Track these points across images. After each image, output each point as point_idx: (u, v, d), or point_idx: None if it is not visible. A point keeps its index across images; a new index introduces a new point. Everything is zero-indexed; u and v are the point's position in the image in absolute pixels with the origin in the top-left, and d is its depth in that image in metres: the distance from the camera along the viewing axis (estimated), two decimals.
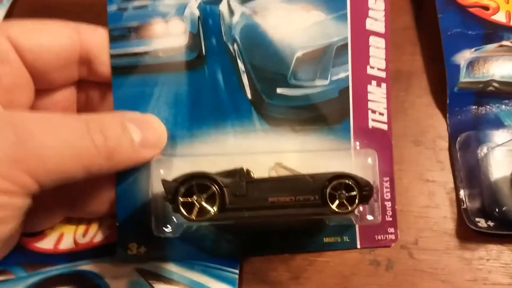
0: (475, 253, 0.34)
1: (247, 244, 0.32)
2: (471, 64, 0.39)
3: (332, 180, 0.28)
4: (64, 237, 0.33)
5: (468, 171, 0.36)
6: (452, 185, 0.36)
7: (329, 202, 0.28)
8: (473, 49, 0.39)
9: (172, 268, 0.32)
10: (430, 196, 0.35)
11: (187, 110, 0.32)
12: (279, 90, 0.32)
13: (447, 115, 0.38)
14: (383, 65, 0.33)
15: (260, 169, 0.30)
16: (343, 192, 0.28)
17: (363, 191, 0.28)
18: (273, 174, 0.31)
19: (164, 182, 0.27)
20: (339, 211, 0.28)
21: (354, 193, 0.28)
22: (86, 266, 0.32)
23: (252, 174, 0.30)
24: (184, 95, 0.32)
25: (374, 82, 0.33)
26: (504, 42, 0.39)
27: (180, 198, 0.27)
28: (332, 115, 0.32)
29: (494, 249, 0.34)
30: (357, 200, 0.28)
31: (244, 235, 0.32)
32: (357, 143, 0.33)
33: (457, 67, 0.39)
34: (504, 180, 0.34)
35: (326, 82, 0.32)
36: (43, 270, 0.31)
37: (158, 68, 0.32)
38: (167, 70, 0.32)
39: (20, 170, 0.24)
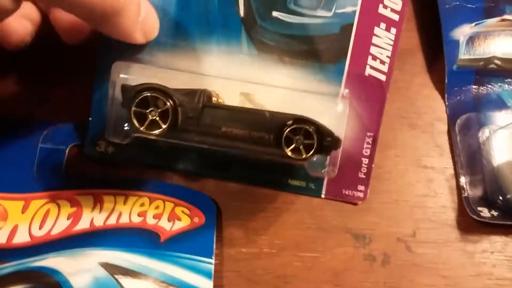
0: (477, 245, 0.32)
1: (208, 165, 0.32)
2: (471, 40, 0.37)
3: (293, 123, 0.26)
4: (18, 230, 0.30)
5: (469, 156, 0.34)
6: (451, 171, 0.34)
7: (284, 144, 0.26)
8: (473, 24, 0.37)
9: (140, 261, 0.29)
10: (428, 184, 0.33)
11: (174, 17, 0.30)
12: (275, 13, 0.30)
13: (446, 95, 0.36)
14: (399, 6, 0.30)
15: (231, 97, 0.29)
16: (301, 137, 0.26)
17: (324, 141, 0.26)
18: (239, 104, 0.30)
19: (123, 87, 0.27)
20: (292, 156, 0.27)
21: (312, 141, 0.26)
22: (43, 262, 0.29)
23: (215, 99, 0.29)
24: (172, 0, 0.30)
25: (383, 25, 0.30)
26: (506, 16, 0.37)
27: (133, 107, 0.27)
28: (327, 52, 0.30)
29: (498, 241, 0.32)
30: (313, 149, 0.26)
31: (206, 155, 0.31)
32: (347, 90, 0.31)
33: (456, 43, 0.37)
34: (508, 165, 0.32)
35: (329, 14, 0.30)
36: None
37: None
38: None
39: None
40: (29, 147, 0.33)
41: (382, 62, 0.30)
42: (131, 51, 0.31)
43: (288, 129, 0.26)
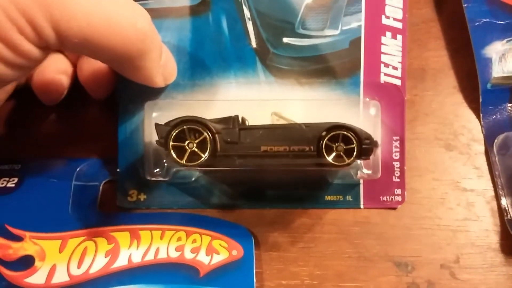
0: None
1: (242, 195, 0.33)
2: (503, 57, 0.37)
3: (330, 131, 0.28)
4: (57, 270, 0.31)
5: (509, 176, 0.34)
6: (492, 193, 0.34)
7: (325, 153, 0.28)
8: (504, 40, 0.37)
9: None
10: (468, 207, 0.34)
11: (190, 58, 0.32)
12: (285, 40, 0.32)
13: (481, 115, 0.37)
14: (399, 15, 0.33)
15: (260, 121, 0.30)
16: (341, 144, 0.28)
17: (363, 144, 0.28)
18: (273, 119, 0.31)
19: (157, 125, 0.29)
20: (335, 163, 0.28)
21: (352, 145, 0.28)
22: None
23: (247, 122, 0.30)
24: (187, 42, 0.32)
25: (389, 34, 0.33)
26: None
27: (171, 141, 0.28)
28: (341, 67, 0.32)
29: None
30: (355, 153, 0.28)
31: (239, 185, 0.33)
32: (367, 99, 0.32)
33: (489, 61, 0.37)
34: None
35: (337, 32, 0.32)
36: None
37: (162, 12, 0.32)
38: (171, 16, 0.32)
39: (42, 15, 0.23)
40: (62, 185, 0.34)
41: (395, 68, 0.32)
42: (151, 95, 0.32)
43: (326, 138, 0.28)
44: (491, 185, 0.34)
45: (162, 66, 0.30)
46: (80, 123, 0.35)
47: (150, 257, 0.32)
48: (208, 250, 0.32)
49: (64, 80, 0.32)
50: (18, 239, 0.32)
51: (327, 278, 0.32)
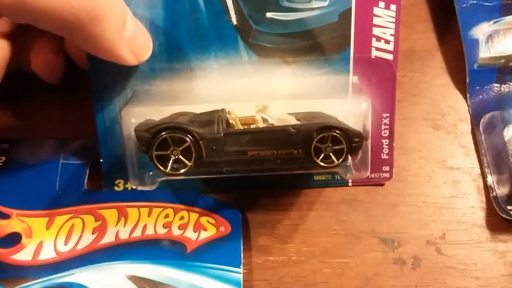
0: (509, 244, 0.33)
1: (233, 180, 0.32)
2: (490, 38, 0.38)
3: (319, 133, 0.27)
4: (44, 246, 0.32)
5: (495, 155, 0.35)
6: (478, 171, 0.35)
7: (313, 155, 0.27)
8: (491, 22, 0.38)
9: (168, 272, 0.31)
10: (455, 185, 0.34)
11: (164, 39, 0.30)
12: (269, 14, 0.30)
13: (468, 95, 0.38)
14: None
15: (246, 108, 0.29)
16: (330, 144, 0.27)
17: (352, 143, 0.28)
18: (259, 117, 0.30)
19: (137, 133, 0.27)
20: (325, 165, 0.28)
21: (342, 146, 0.27)
22: (70, 278, 0.30)
23: (234, 116, 0.29)
24: (159, 21, 0.30)
25: (382, 4, 0.30)
26: None
27: (154, 151, 0.27)
28: (329, 43, 0.30)
29: None
30: (344, 154, 0.28)
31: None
32: (356, 77, 0.31)
33: (476, 42, 0.38)
34: None
35: (325, 3, 0.30)
36: (23, 285, 0.30)
37: None
38: None
39: None
40: (50, 164, 0.35)
41: (387, 42, 0.31)
42: (125, 80, 0.31)
43: (315, 140, 0.27)
44: (477, 163, 0.35)
45: (130, 39, 0.27)
46: (68, 103, 0.36)
47: (137, 234, 0.32)
48: (196, 227, 0.33)
49: (61, 58, 0.32)
50: (5, 216, 0.32)
51: (314, 254, 0.32)
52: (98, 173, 0.33)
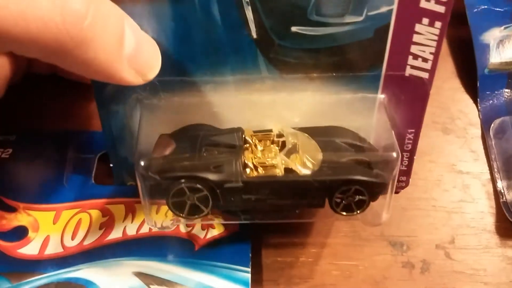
0: None
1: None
2: (501, 43, 0.38)
3: (342, 186, 0.26)
4: (51, 241, 0.31)
5: (505, 160, 0.35)
6: (488, 176, 0.35)
7: (334, 207, 0.27)
8: (502, 27, 0.39)
9: (175, 270, 0.30)
10: (464, 189, 0.35)
11: (174, 51, 0.27)
12: (294, 29, 0.26)
13: (478, 100, 0.38)
14: None
15: (265, 123, 0.29)
16: (351, 196, 0.27)
17: (375, 193, 0.27)
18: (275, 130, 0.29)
19: (151, 182, 0.26)
20: (345, 214, 0.27)
21: (364, 197, 0.27)
22: (77, 273, 0.30)
23: (252, 136, 0.28)
24: (169, 32, 0.26)
25: (426, 20, 0.26)
26: None
27: (170, 199, 0.26)
28: (360, 59, 0.28)
29: None
30: (365, 205, 0.27)
31: None
32: (383, 96, 0.29)
33: (486, 47, 0.38)
34: None
35: (360, 18, 0.26)
36: (29, 280, 0.30)
37: None
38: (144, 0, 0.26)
39: None
40: (57, 157, 0.35)
41: (425, 60, 0.27)
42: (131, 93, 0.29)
43: (337, 192, 0.27)
44: (487, 168, 0.35)
45: (131, 57, 0.24)
46: (76, 97, 0.36)
47: (145, 230, 0.32)
48: (204, 225, 0.32)
49: None
50: (12, 210, 0.32)
51: (323, 256, 0.32)
52: (106, 167, 0.33)
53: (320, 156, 0.27)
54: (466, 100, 0.38)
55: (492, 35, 0.39)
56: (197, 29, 0.26)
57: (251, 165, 0.27)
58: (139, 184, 0.27)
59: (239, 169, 0.26)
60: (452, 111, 0.37)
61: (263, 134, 0.29)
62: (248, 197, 0.27)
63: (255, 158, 0.27)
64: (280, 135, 0.29)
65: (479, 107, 0.38)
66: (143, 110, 0.29)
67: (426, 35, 0.26)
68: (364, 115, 0.30)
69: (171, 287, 0.30)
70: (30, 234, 0.32)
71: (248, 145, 0.28)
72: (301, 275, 0.32)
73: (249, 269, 0.31)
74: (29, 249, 0.31)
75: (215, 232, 0.32)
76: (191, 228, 0.33)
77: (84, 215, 0.33)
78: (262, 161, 0.27)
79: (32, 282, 0.30)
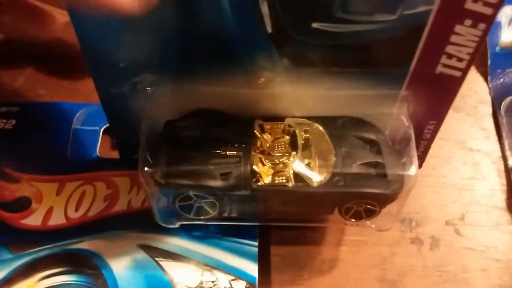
0: None
1: None
2: None
3: (353, 199, 0.26)
4: (54, 212, 0.31)
5: None
6: (499, 154, 0.35)
7: (343, 214, 0.27)
8: None
9: (182, 243, 0.30)
10: (475, 167, 0.34)
11: (178, 43, 0.25)
12: (315, 25, 0.24)
13: (489, 77, 0.37)
14: None
15: (277, 114, 0.28)
16: (362, 206, 0.26)
17: (386, 203, 0.26)
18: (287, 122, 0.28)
19: (158, 188, 0.26)
20: (354, 221, 0.27)
21: (374, 208, 0.26)
22: (80, 244, 0.30)
23: (260, 122, 0.27)
24: (171, 22, 0.24)
25: (468, 22, 0.23)
26: None
27: (177, 203, 0.26)
28: (387, 57, 0.25)
29: None
30: (376, 214, 0.27)
31: None
32: (406, 93, 0.27)
33: (498, 24, 0.38)
34: None
35: (393, 17, 0.23)
36: (31, 251, 0.30)
37: None
38: None
39: None
40: (61, 128, 0.34)
41: (460, 60, 0.25)
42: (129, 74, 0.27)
43: (347, 203, 0.27)
44: (498, 146, 0.35)
45: None
46: (79, 71, 0.36)
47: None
48: None
49: None
50: (15, 180, 0.32)
51: (331, 231, 0.32)
52: (111, 139, 0.33)
53: (332, 158, 0.26)
54: (476, 78, 0.37)
55: (503, 13, 0.38)
56: (203, 20, 0.25)
57: (260, 166, 0.26)
58: (144, 187, 0.27)
59: (247, 176, 0.25)
60: (463, 89, 0.36)
61: (274, 124, 0.28)
62: (257, 205, 0.27)
63: (265, 156, 0.27)
64: (291, 126, 0.28)
65: (490, 85, 0.37)
66: (146, 97, 0.28)
67: (466, 36, 0.24)
68: (384, 110, 0.28)
69: (177, 260, 0.30)
70: (33, 205, 0.32)
71: (258, 137, 0.27)
72: (309, 251, 0.32)
73: (257, 243, 0.30)
74: (32, 220, 0.31)
75: None
76: None
77: (88, 187, 0.33)
78: (272, 159, 0.27)
79: (34, 253, 0.30)
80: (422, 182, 0.34)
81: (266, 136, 0.28)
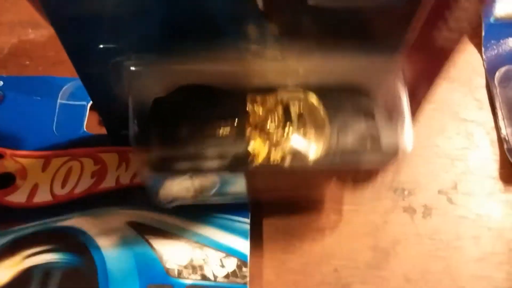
0: None
1: None
2: None
3: (348, 171, 0.27)
4: (39, 189, 0.31)
5: (510, 108, 0.35)
6: (492, 124, 0.35)
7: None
8: None
9: (170, 220, 0.30)
10: (468, 137, 0.34)
11: (160, 19, 0.24)
12: (312, 1, 0.24)
13: (483, 49, 0.37)
14: None
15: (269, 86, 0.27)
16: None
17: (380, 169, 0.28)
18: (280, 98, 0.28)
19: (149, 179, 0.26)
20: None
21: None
22: (67, 222, 0.30)
23: (256, 99, 0.27)
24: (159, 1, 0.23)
25: None
26: None
27: (175, 186, 0.27)
28: (382, 29, 0.25)
29: None
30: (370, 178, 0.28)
31: None
32: (400, 61, 0.27)
33: None
34: None
35: None
36: (16, 228, 0.29)
37: None
38: None
39: None
40: (47, 103, 0.34)
41: (454, 28, 0.25)
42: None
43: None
44: (491, 116, 0.35)
45: None
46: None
47: (139, 179, 0.32)
48: None
49: None
50: None
51: (322, 200, 0.32)
52: (98, 115, 0.33)
53: (327, 130, 0.26)
54: (470, 49, 0.37)
55: None
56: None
57: (256, 142, 0.26)
58: (140, 171, 0.27)
59: (245, 155, 0.25)
60: (456, 60, 0.37)
61: (266, 95, 0.28)
62: (253, 181, 0.27)
63: (259, 130, 0.27)
64: (283, 97, 0.28)
65: (484, 56, 0.37)
66: (130, 76, 0.27)
67: (462, 3, 0.24)
68: (379, 79, 0.28)
69: (166, 238, 0.29)
70: (18, 181, 0.31)
71: (251, 111, 0.27)
72: (301, 219, 0.32)
73: (249, 220, 0.30)
74: (17, 196, 0.31)
75: None
76: None
77: (75, 163, 0.32)
78: (267, 132, 0.26)
79: (19, 231, 0.30)
80: (415, 152, 0.34)
81: (258, 109, 0.28)
